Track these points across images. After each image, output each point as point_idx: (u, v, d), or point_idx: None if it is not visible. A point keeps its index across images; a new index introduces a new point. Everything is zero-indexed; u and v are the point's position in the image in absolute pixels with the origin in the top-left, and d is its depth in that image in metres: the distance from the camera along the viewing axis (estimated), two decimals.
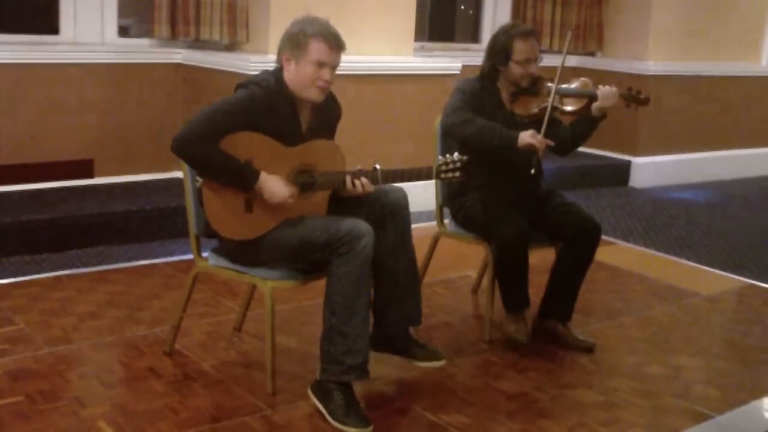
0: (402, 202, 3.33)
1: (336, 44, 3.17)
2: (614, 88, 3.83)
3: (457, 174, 3.36)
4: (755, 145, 8.72)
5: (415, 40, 6.49)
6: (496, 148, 3.71)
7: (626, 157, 7.82)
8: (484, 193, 3.85)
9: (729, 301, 4.79)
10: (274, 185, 3.12)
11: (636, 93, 3.96)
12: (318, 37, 3.14)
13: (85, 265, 4.60)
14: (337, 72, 3.30)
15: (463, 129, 3.72)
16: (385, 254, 3.29)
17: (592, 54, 8.10)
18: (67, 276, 4.41)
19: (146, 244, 5.05)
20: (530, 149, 3.69)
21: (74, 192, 5.36)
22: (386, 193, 3.31)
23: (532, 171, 3.72)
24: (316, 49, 3.14)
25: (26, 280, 4.31)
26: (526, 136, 3.68)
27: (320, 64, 3.14)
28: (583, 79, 3.99)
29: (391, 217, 3.29)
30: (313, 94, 3.19)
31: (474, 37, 7.93)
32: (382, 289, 3.36)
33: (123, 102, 5.69)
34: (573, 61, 7.86)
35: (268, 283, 3.22)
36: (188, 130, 3.09)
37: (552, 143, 3.76)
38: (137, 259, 4.76)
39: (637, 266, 5.25)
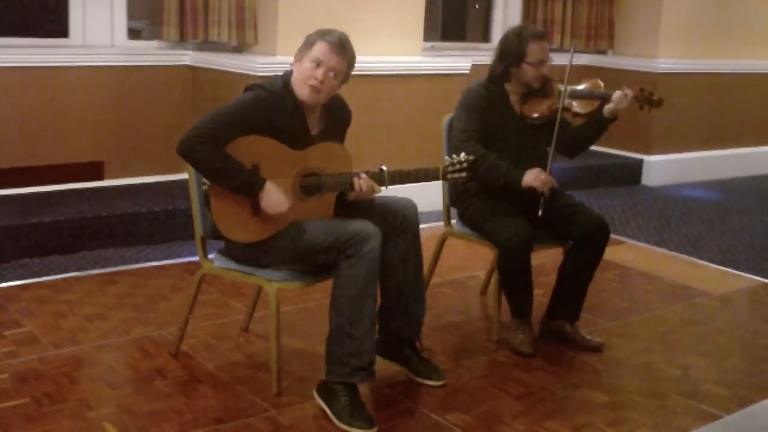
0: (411, 213, 3.33)
1: (337, 48, 3.15)
2: (628, 91, 3.80)
3: (464, 174, 3.35)
4: None
5: (426, 40, 6.48)
6: (501, 189, 3.71)
7: (639, 156, 7.78)
8: (488, 196, 3.83)
9: (740, 300, 4.75)
10: (274, 197, 3.11)
11: (649, 95, 3.94)
12: (323, 38, 3.16)
13: (94, 268, 4.61)
14: None
15: None
16: (393, 265, 3.30)
17: (603, 52, 8.06)
18: (75, 278, 4.42)
19: (156, 245, 5.06)
20: (533, 191, 3.68)
21: (84, 194, 5.37)
22: (395, 204, 3.32)
23: (540, 213, 3.71)
24: (317, 48, 3.15)
25: (34, 283, 4.32)
26: (530, 179, 3.68)
27: (317, 63, 3.14)
28: (593, 80, 3.96)
29: (401, 228, 3.29)
30: (305, 93, 3.17)
31: (484, 36, 7.91)
32: (388, 299, 3.37)
33: (133, 104, 5.70)
34: (584, 59, 7.82)
35: (274, 284, 3.22)
36: (193, 132, 3.10)
37: (556, 185, 3.75)
38: (146, 261, 4.77)
39: (648, 265, 5.22)
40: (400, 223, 3.28)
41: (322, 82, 3.15)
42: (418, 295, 3.40)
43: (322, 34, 3.18)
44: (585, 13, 7.75)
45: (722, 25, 8.05)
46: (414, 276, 3.35)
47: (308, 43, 3.20)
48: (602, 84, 3.91)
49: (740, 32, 8.23)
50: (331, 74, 3.16)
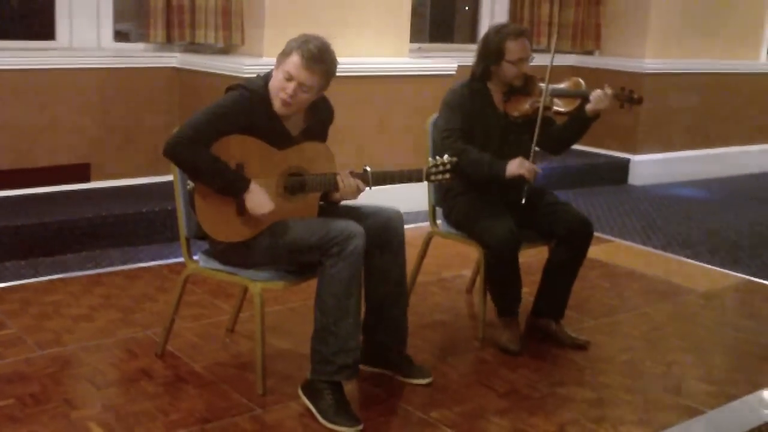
0: (397, 221, 3.34)
1: (309, 63, 3.11)
2: (608, 90, 3.82)
3: (447, 176, 3.37)
4: (754, 142, 8.71)
5: (414, 42, 6.48)
6: (486, 181, 3.73)
7: (625, 155, 7.80)
8: (473, 196, 3.84)
9: (725, 297, 4.78)
10: (259, 199, 3.12)
11: (629, 93, 3.95)
12: (298, 51, 3.13)
13: (81, 269, 4.60)
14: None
15: None
16: (377, 274, 3.32)
17: (590, 53, 8.09)
18: (61, 280, 4.42)
19: (143, 247, 5.06)
20: (519, 179, 3.70)
21: (70, 196, 5.37)
22: (381, 213, 3.33)
23: (523, 201, 3.72)
24: (291, 61, 3.14)
25: (20, 284, 4.31)
26: (514, 167, 3.69)
27: (288, 77, 3.13)
28: (574, 78, 3.98)
29: (386, 236, 3.30)
30: (277, 104, 3.18)
31: (472, 37, 7.93)
32: (372, 308, 3.38)
33: (119, 106, 5.70)
34: (571, 60, 7.85)
35: (258, 284, 3.23)
36: (178, 134, 3.11)
37: (540, 171, 3.76)
38: (132, 262, 4.76)
39: (635, 264, 5.25)
40: (384, 230, 3.29)
41: (291, 96, 3.14)
42: (402, 307, 3.40)
43: (299, 45, 3.14)
44: (572, 13, 7.77)
45: (709, 25, 8.08)
46: (396, 288, 3.36)
47: (286, 52, 3.18)
48: (583, 82, 3.93)
49: (726, 33, 8.27)
50: (303, 89, 3.15)
